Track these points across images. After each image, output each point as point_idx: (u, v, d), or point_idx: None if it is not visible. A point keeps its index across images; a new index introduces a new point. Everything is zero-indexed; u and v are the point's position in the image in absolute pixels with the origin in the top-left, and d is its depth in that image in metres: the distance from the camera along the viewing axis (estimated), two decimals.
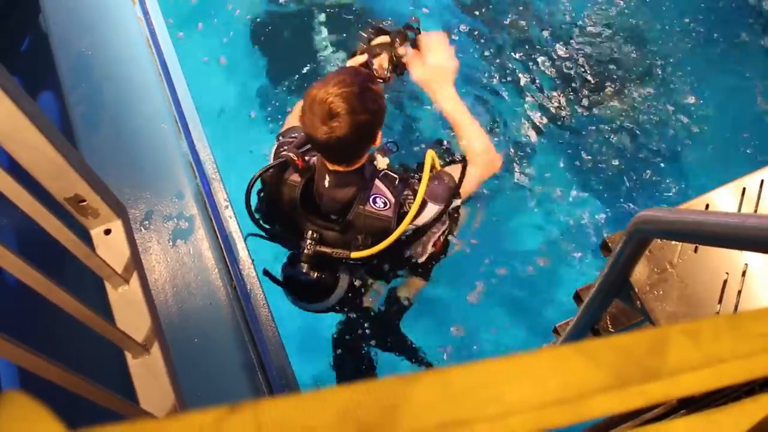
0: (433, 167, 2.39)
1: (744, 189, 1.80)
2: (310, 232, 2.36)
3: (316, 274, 2.41)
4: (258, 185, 2.33)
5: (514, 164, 3.86)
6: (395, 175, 2.37)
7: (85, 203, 1.45)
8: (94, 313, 1.25)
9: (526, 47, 4.19)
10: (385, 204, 2.31)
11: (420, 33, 2.53)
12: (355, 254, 2.35)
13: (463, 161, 2.46)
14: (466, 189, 2.45)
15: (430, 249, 2.53)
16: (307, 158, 2.28)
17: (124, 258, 1.53)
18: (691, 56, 4.13)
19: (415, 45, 2.54)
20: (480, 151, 2.48)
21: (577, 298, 2.05)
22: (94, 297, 1.52)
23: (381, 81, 2.50)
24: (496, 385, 0.48)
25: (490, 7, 4.34)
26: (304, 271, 2.37)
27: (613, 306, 1.91)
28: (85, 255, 1.35)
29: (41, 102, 2.55)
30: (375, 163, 2.32)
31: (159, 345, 1.48)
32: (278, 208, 2.40)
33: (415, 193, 2.31)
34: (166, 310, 1.95)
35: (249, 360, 1.92)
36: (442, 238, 2.57)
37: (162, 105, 2.31)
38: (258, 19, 4.28)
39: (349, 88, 2.04)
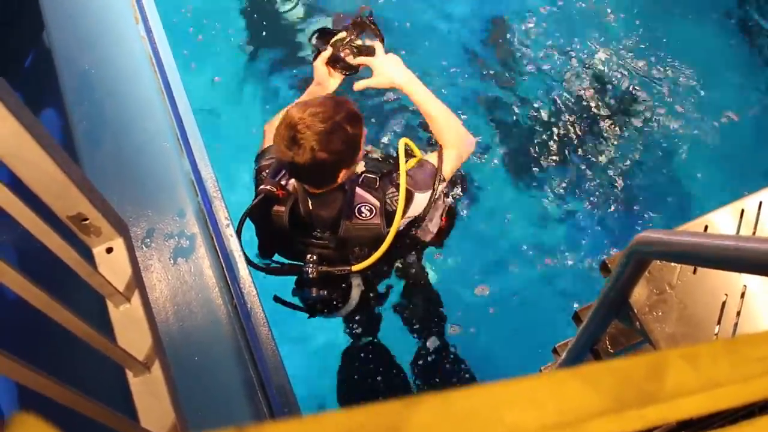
0: (409, 154, 2.40)
1: (742, 211, 1.80)
2: (309, 256, 2.37)
3: (326, 292, 2.43)
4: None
5: (515, 182, 3.88)
6: (374, 176, 2.37)
7: (87, 222, 1.46)
8: (96, 332, 1.25)
9: (533, 72, 4.23)
10: (370, 211, 2.31)
11: (373, 20, 2.51)
12: (356, 267, 2.37)
13: (439, 147, 2.46)
14: (447, 170, 2.44)
15: (434, 229, 2.53)
16: (284, 183, 2.30)
17: (126, 276, 1.53)
18: (691, 77, 4.16)
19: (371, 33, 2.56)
20: (453, 133, 2.47)
21: (577, 318, 2.06)
22: (94, 311, 1.52)
23: (352, 72, 2.53)
24: (497, 408, 0.49)
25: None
26: (314, 294, 2.40)
27: (612, 326, 1.92)
28: (88, 274, 1.35)
29: (44, 118, 2.57)
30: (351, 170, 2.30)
31: (160, 363, 1.48)
32: (273, 241, 2.43)
33: (398, 187, 2.32)
34: (167, 328, 1.95)
35: (249, 378, 1.91)
36: (445, 215, 2.57)
37: (164, 123, 2.32)
38: (257, 41, 4.33)
39: (322, 124, 2.04)
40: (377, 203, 2.31)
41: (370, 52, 2.46)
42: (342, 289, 2.57)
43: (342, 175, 2.19)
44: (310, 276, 2.38)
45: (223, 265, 2.08)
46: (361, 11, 2.54)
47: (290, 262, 2.56)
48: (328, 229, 2.35)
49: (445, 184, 2.45)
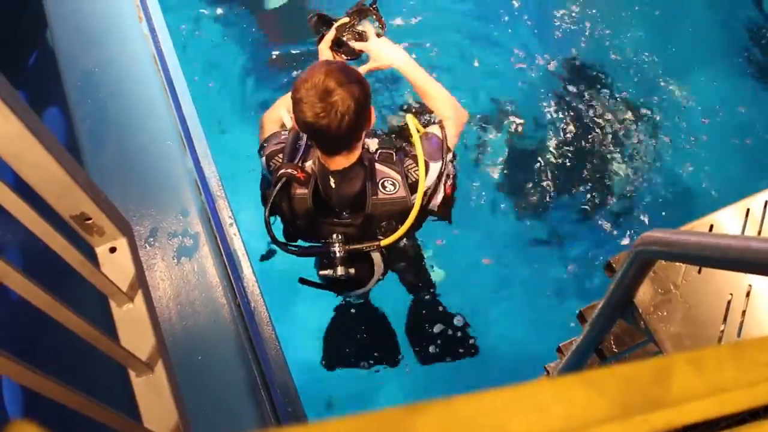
0: (417, 129, 2.47)
1: (748, 210, 1.80)
2: (335, 236, 2.40)
3: (353, 270, 2.48)
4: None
5: (521, 177, 3.88)
6: (390, 151, 2.43)
7: (90, 221, 1.46)
8: (99, 332, 1.25)
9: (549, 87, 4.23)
10: (394, 185, 2.37)
11: (377, 6, 2.60)
12: (384, 241, 2.44)
13: (439, 121, 2.54)
14: (451, 141, 2.53)
15: (440, 198, 2.56)
16: (302, 166, 2.32)
17: (129, 276, 1.53)
18: (697, 79, 4.15)
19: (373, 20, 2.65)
20: (449, 106, 2.59)
21: (581, 317, 2.05)
22: (97, 310, 1.52)
23: (354, 58, 2.63)
24: (501, 415, 0.49)
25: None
26: (341, 272, 2.42)
27: (617, 326, 1.91)
28: (91, 273, 1.35)
29: (47, 117, 2.56)
30: (367, 147, 2.38)
31: (163, 363, 1.48)
32: (296, 224, 2.44)
33: (414, 158, 2.39)
34: (170, 328, 1.95)
35: (252, 378, 1.91)
36: (449, 183, 2.61)
37: (167, 122, 2.32)
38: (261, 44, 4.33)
39: (332, 66, 2.10)
40: (398, 176, 2.38)
41: (364, 37, 2.57)
42: (366, 268, 2.62)
43: (361, 139, 2.26)
44: (339, 254, 2.42)
45: (227, 264, 2.08)
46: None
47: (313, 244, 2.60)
48: (352, 207, 2.38)
49: (450, 154, 2.52)
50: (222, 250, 2.10)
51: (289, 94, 2.67)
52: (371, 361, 3.42)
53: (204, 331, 1.97)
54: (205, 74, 4.13)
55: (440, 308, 3.47)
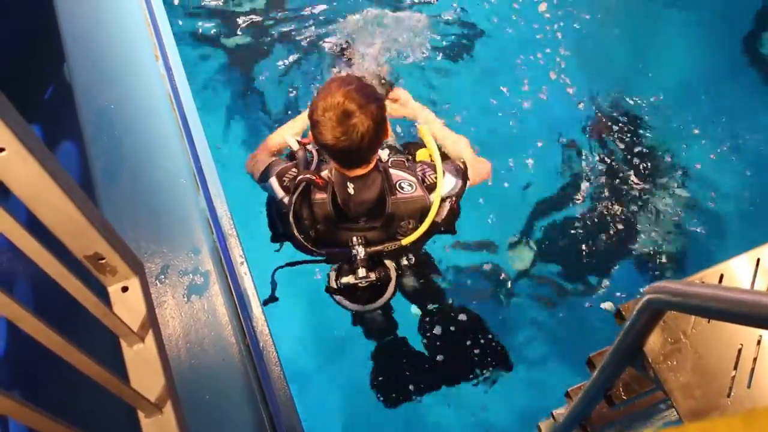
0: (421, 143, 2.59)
1: (758, 260, 1.79)
2: (355, 239, 2.42)
3: (373, 275, 2.53)
4: None
5: (538, 224, 3.88)
6: (402, 159, 2.51)
7: (104, 261, 1.47)
8: (110, 374, 1.26)
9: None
10: (411, 186, 2.43)
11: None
12: (405, 240, 2.48)
13: (462, 162, 2.62)
14: (473, 176, 2.61)
15: (446, 210, 2.59)
16: (319, 173, 2.39)
17: (140, 316, 1.54)
18: (707, 122, 4.16)
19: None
20: (476, 175, 2.66)
21: (590, 363, 2.04)
22: (105, 346, 1.53)
23: None
24: None
25: None
26: (362, 274, 2.44)
27: (626, 372, 1.90)
28: (103, 314, 1.36)
29: (62, 151, 2.59)
30: (379, 157, 2.43)
31: (172, 404, 1.48)
32: (317, 229, 2.46)
33: (429, 166, 2.48)
34: (179, 366, 1.95)
35: (260, 419, 1.91)
36: (454, 198, 2.64)
37: (181, 160, 2.34)
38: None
39: (350, 86, 2.12)
40: (414, 178, 2.44)
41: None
42: (385, 276, 2.65)
43: (377, 155, 2.33)
44: (360, 257, 2.47)
45: (237, 303, 2.08)
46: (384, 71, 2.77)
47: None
48: (371, 212, 2.43)
49: (468, 185, 2.58)
50: (232, 289, 2.11)
51: (291, 123, 2.72)
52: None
53: (213, 370, 1.96)
54: (220, 115, 4.17)
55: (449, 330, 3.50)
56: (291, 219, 2.36)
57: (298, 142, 2.52)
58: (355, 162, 2.28)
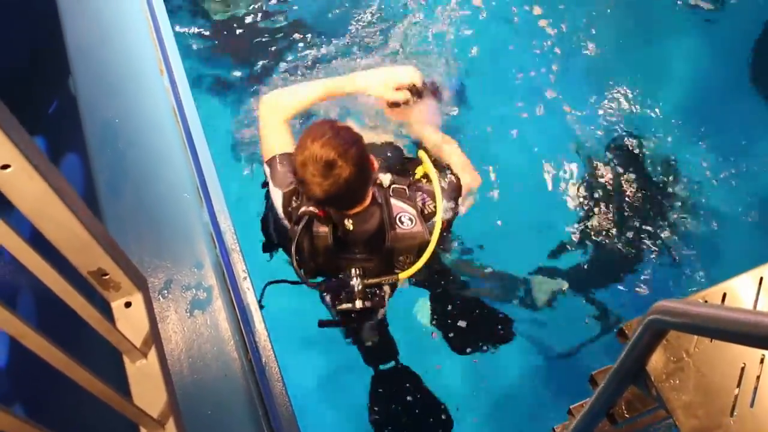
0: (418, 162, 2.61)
1: (761, 279, 1.79)
2: (354, 270, 2.43)
3: (369, 303, 2.51)
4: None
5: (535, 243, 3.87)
6: (403, 186, 2.52)
7: (107, 277, 1.48)
8: (113, 392, 1.26)
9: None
10: (411, 220, 2.46)
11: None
12: (403, 274, 2.48)
13: (455, 174, 2.65)
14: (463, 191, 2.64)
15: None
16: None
17: (143, 332, 1.54)
18: (712, 140, 4.15)
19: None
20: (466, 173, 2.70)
21: (592, 381, 2.04)
22: (107, 361, 1.53)
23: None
24: None
25: None
26: (359, 307, 2.46)
27: (628, 391, 1.90)
28: (107, 330, 1.37)
29: (65, 164, 2.59)
30: (380, 182, 2.47)
31: (174, 421, 1.48)
32: (316, 260, 2.48)
33: (428, 193, 2.51)
34: (181, 381, 1.95)
35: None
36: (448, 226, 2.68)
37: (185, 174, 2.34)
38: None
39: (325, 132, 2.16)
40: (414, 211, 2.47)
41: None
42: (379, 301, 2.62)
43: (370, 190, 2.35)
44: (357, 288, 2.46)
45: (239, 318, 2.09)
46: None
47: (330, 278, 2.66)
48: (371, 244, 2.45)
49: (461, 201, 2.63)
50: (235, 304, 2.11)
51: (277, 118, 2.68)
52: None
53: (215, 385, 1.96)
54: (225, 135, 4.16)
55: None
56: (293, 251, 2.37)
57: None
58: (348, 205, 2.33)
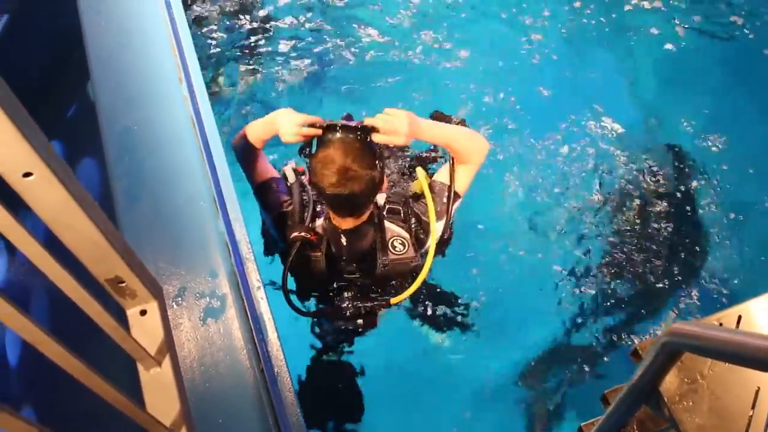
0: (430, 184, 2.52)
1: None
2: (346, 293, 2.45)
3: (361, 321, 2.59)
4: None
5: (547, 260, 3.87)
6: (398, 207, 2.52)
7: (124, 284, 1.48)
8: (127, 400, 1.26)
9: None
10: (403, 245, 2.47)
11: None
12: (394, 300, 2.51)
13: (450, 160, 2.52)
14: (462, 186, 2.54)
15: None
16: (312, 226, 2.44)
17: (158, 340, 1.55)
18: (728, 159, 4.14)
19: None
20: (476, 153, 2.51)
21: (604, 400, 2.03)
22: (121, 367, 1.53)
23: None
24: None
25: None
26: (351, 327, 2.49)
27: (640, 411, 1.89)
28: (122, 338, 1.37)
29: (83, 169, 2.61)
30: (375, 201, 2.45)
31: (187, 430, 1.49)
32: (311, 284, 2.49)
33: (420, 217, 2.49)
34: (193, 389, 1.95)
35: None
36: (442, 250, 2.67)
37: (202, 183, 2.35)
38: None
39: (353, 145, 2.21)
40: (407, 235, 2.47)
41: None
42: (373, 318, 2.68)
43: (372, 203, 2.39)
44: (350, 311, 2.52)
45: (252, 328, 2.09)
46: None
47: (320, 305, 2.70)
48: (363, 261, 2.47)
49: (459, 201, 2.56)
50: (248, 313, 2.11)
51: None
52: None
53: (227, 394, 1.97)
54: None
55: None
56: (282, 281, 2.42)
57: (295, 171, 2.55)
58: (344, 211, 2.34)
